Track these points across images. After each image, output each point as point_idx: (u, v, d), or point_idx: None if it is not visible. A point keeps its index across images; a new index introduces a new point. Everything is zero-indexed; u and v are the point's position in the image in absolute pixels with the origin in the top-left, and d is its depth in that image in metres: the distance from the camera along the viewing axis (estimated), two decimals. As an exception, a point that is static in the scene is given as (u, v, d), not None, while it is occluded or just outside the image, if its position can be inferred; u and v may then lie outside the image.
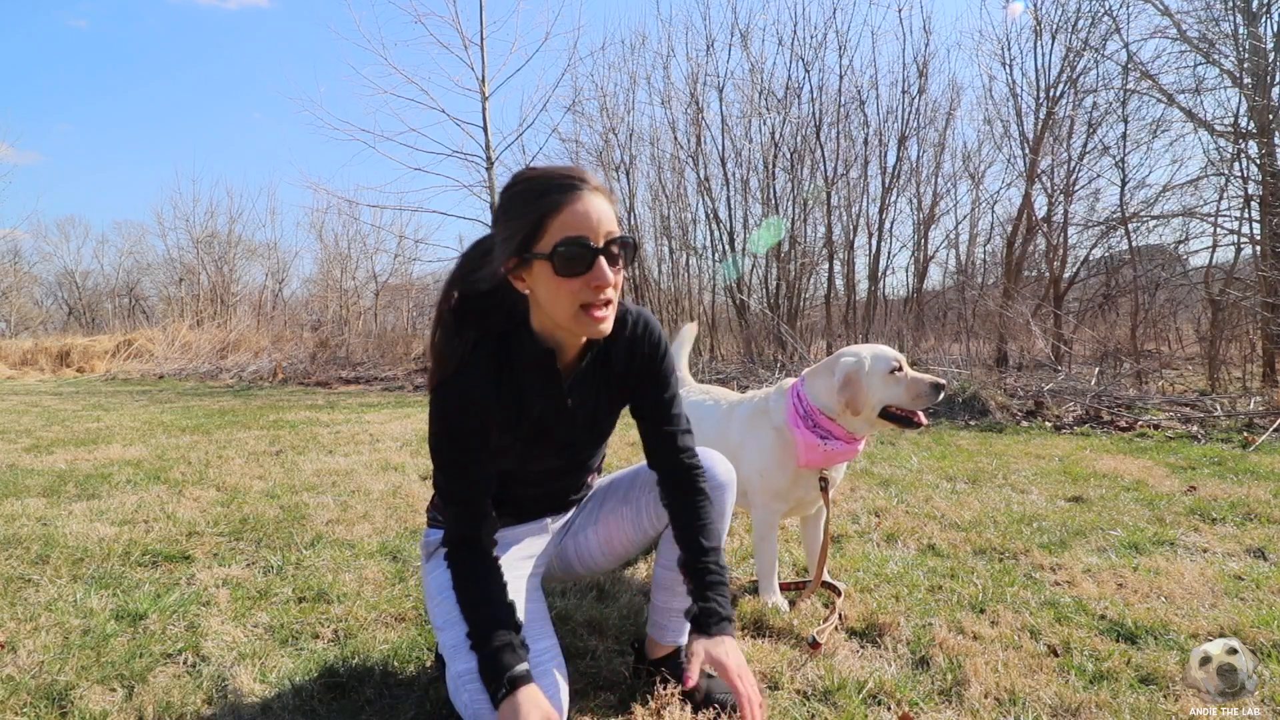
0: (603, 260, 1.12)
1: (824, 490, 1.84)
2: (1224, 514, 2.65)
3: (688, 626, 1.44)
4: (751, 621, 1.79)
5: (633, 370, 1.34)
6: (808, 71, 9.65)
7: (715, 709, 1.36)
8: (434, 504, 1.46)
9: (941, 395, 1.72)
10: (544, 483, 1.43)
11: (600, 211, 1.12)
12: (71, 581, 2.08)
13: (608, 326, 1.18)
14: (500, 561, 1.32)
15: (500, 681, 1.10)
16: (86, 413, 6.60)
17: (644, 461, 1.48)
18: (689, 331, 2.49)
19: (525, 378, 1.25)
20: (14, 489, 3.26)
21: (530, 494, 1.45)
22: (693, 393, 2.26)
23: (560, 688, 1.20)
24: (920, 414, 1.76)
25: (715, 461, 1.44)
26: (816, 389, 1.82)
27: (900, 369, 1.76)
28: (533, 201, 1.12)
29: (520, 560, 1.41)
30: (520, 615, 1.24)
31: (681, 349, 2.45)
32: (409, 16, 17.71)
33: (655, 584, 1.48)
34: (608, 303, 1.16)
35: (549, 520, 1.51)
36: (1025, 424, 5.00)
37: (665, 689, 1.42)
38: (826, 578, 2.00)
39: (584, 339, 1.27)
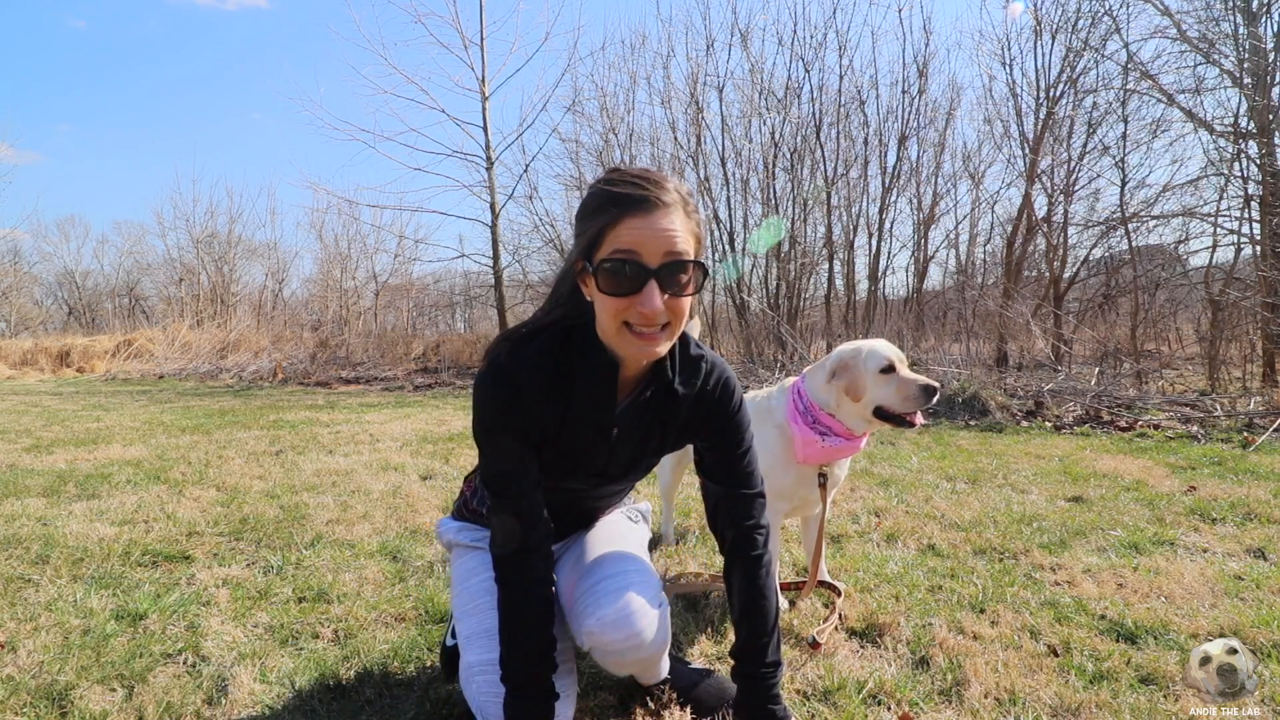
0: (653, 284, 1.01)
1: (822, 486, 1.84)
2: (1224, 514, 2.65)
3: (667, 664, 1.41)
4: (751, 621, 1.79)
5: (698, 419, 1.22)
6: (808, 71, 9.67)
7: (715, 716, 1.36)
8: (464, 510, 1.45)
9: (934, 398, 1.69)
10: (552, 505, 1.25)
11: (665, 230, 1.01)
12: (71, 581, 2.08)
13: (658, 353, 1.07)
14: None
15: None
16: (86, 413, 6.60)
17: (596, 550, 1.37)
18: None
19: (578, 385, 1.14)
20: (14, 489, 3.26)
21: (568, 527, 1.43)
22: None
23: (568, 692, 1.21)
24: (915, 414, 1.73)
25: (617, 617, 1.28)
26: (815, 384, 1.82)
27: (892, 369, 1.73)
28: (599, 208, 1.04)
29: None
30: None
31: None
32: (409, 16, 17.73)
33: None
34: (663, 327, 1.05)
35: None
36: (1025, 424, 5.00)
37: (666, 690, 1.42)
38: (826, 578, 2.00)
39: (645, 365, 1.15)
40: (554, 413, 1.14)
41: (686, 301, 1.05)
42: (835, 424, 1.77)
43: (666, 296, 1.02)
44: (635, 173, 1.05)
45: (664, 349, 1.07)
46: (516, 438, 1.13)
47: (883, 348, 1.76)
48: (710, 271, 1.16)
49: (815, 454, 1.78)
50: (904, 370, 1.75)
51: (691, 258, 1.04)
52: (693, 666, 1.50)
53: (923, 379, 1.70)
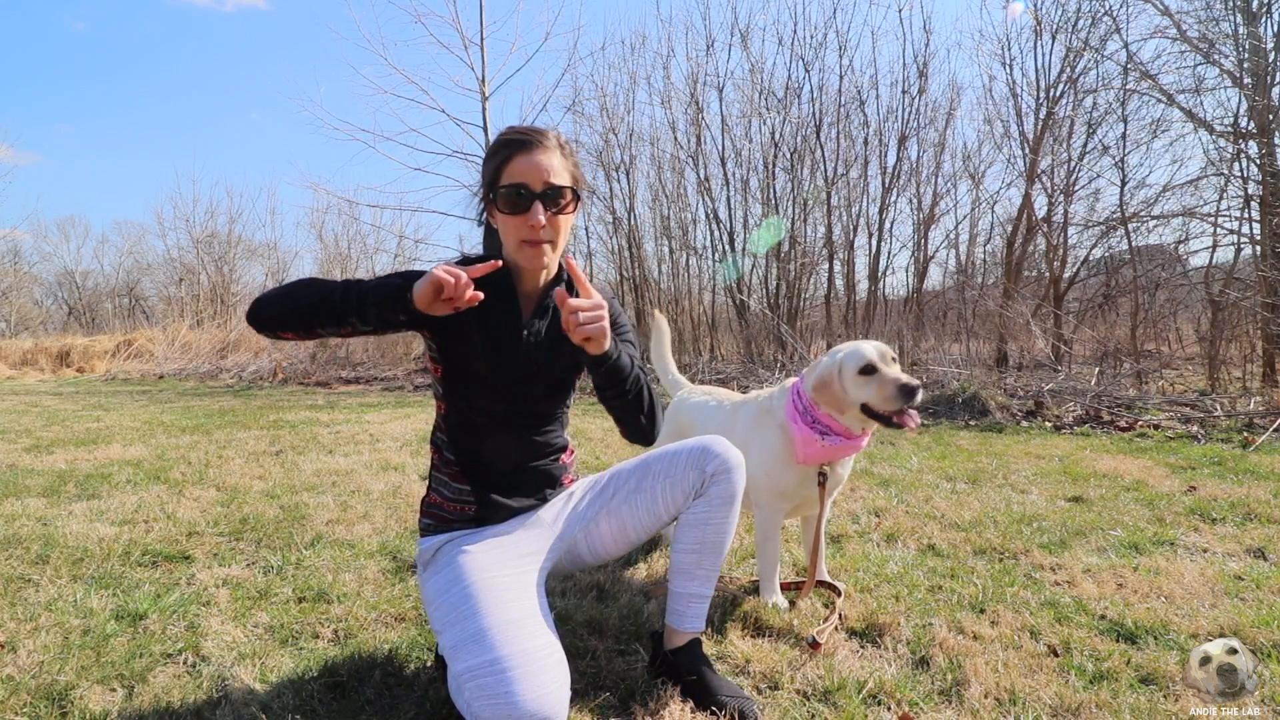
0: (538, 204, 1.30)
1: (821, 486, 1.83)
2: (1224, 514, 2.65)
3: (705, 611, 1.50)
4: (751, 621, 1.79)
5: None
6: (808, 71, 9.65)
7: (714, 711, 1.36)
8: (424, 510, 1.47)
9: (917, 398, 1.62)
10: (505, 444, 1.44)
11: (546, 164, 1.31)
12: (71, 581, 2.08)
13: (546, 262, 1.35)
14: (497, 563, 1.35)
15: (396, 282, 1.24)
16: (86, 413, 6.60)
17: (650, 452, 1.52)
18: (661, 323, 2.46)
19: (491, 289, 1.36)
20: (14, 489, 3.26)
21: (510, 478, 1.46)
22: (694, 394, 2.26)
23: (563, 683, 1.20)
24: (906, 416, 1.66)
25: (724, 447, 1.46)
26: (808, 387, 1.82)
27: (872, 369, 1.69)
28: (495, 153, 1.34)
29: (519, 558, 1.41)
30: (523, 612, 1.24)
31: (661, 342, 2.45)
32: (409, 16, 17.74)
33: (673, 570, 1.50)
34: (547, 241, 1.33)
35: (536, 513, 1.51)
36: (1025, 424, 5.00)
37: (666, 690, 1.42)
38: (827, 578, 2.00)
39: (542, 280, 1.42)
40: (475, 312, 1.34)
41: (565, 219, 1.35)
42: (834, 423, 1.77)
43: (549, 214, 1.31)
44: (523, 127, 1.36)
45: (551, 260, 1.37)
46: None
47: (865, 348, 1.72)
48: (581, 197, 1.40)
49: (816, 453, 1.78)
50: (886, 369, 1.70)
51: (568, 185, 1.34)
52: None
53: (902, 378, 1.64)
